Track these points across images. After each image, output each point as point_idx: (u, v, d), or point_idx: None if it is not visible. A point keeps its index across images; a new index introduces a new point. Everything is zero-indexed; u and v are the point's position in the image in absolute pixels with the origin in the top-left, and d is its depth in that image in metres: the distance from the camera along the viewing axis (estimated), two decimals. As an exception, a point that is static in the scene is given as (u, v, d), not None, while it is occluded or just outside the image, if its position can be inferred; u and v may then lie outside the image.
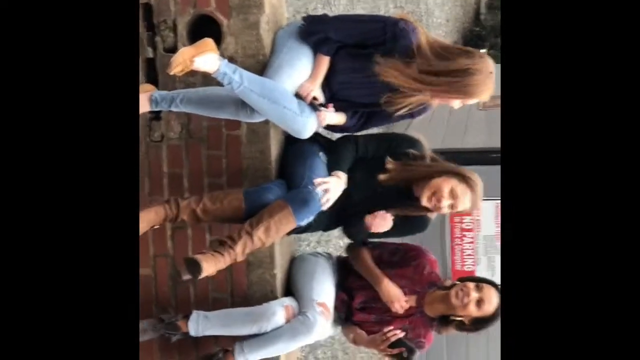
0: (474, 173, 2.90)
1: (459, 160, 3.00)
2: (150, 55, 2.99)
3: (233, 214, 2.78)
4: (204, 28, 2.93)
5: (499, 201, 5.19)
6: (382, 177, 2.92)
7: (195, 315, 2.92)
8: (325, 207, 2.77)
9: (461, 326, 2.97)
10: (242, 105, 2.75)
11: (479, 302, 2.90)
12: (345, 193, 2.87)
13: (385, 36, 2.75)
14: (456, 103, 2.78)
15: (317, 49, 2.84)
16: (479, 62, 2.72)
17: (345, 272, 3.16)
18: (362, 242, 3.15)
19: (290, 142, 3.10)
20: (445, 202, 2.84)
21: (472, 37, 10.29)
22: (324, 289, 3.00)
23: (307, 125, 2.79)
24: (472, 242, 5.45)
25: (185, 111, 2.83)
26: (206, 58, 2.62)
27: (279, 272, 3.09)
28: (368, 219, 2.89)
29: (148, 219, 2.72)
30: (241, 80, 2.67)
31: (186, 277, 2.61)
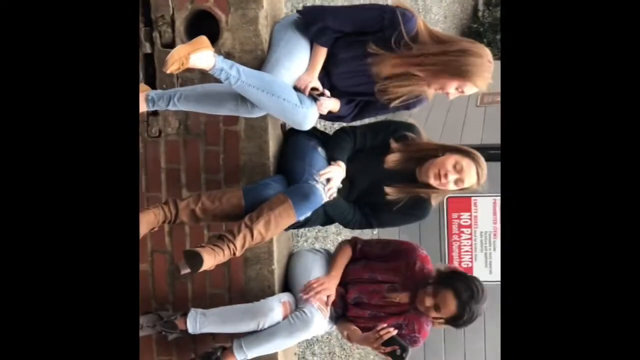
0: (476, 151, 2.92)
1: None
2: (148, 50, 2.98)
3: (233, 211, 2.77)
4: (202, 23, 2.92)
5: (497, 197, 5.19)
6: (389, 158, 2.93)
7: (193, 312, 2.92)
8: (329, 197, 2.78)
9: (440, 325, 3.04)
10: (241, 100, 2.73)
11: (436, 307, 2.92)
12: (347, 184, 2.88)
13: (383, 23, 2.74)
14: (452, 90, 2.75)
15: (314, 40, 2.83)
16: (480, 47, 2.73)
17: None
18: (354, 241, 3.17)
19: (287, 137, 3.10)
20: (452, 177, 2.85)
21: (470, 34, 10.27)
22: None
23: (307, 116, 2.78)
24: (469, 239, 5.46)
25: (184, 109, 2.82)
26: (201, 55, 2.61)
27: (277, 268, 3.09)
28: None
29: (147, 220, 2.69)
30: (238, 75, 2.66)
31: (185, 271, 2.59)
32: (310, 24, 2.81)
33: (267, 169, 3.00)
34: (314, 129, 2.98)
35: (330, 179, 2.77)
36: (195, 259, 2.55)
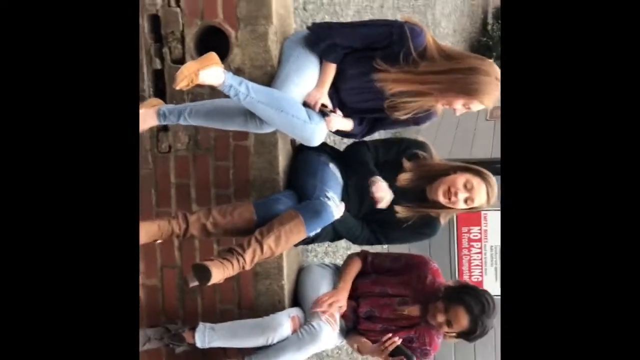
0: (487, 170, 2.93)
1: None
2: (158, 66, 3.00)
3: (244, 226, 2.77)
4: (212, 39, 2.94)
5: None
6: (401, 177, 2.93)
7: (202, 326, 2.92)
8: (382, 206, 2.82)
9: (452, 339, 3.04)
10: (251, 116, 2.74)
11: (449, 323, 2.91)
12: (356, 200, 2.88)
13: (392, 38, 2.74)
14: (458, 106, 2.75)
15: (323, 57, 2.84)
16: (488, 65, 2.72)
17: (353, 281, 3.16)
18: (365, 255, 3.17)
19: (298, 153, 3.10)
20: (461, 196, 2.85)
21: (480, 48, 10.28)
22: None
23: (316, 133, 2.78)
24: (479, 253, 5.44)
25: (194, 124, 2.83)
26: (211, 72, 2.62)
27: (287, 283, 3.09)
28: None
29: (148, 230, 2.68)
30: (247, 92, 2.66)
31: (193, 284, 2.59)
32: (319, 40, 2.82)
33: (277, 184, 3.01)
34: (324, 144, 2.98)
35: (382, 197, 2.80)
36: (203, 272, 2.55)
